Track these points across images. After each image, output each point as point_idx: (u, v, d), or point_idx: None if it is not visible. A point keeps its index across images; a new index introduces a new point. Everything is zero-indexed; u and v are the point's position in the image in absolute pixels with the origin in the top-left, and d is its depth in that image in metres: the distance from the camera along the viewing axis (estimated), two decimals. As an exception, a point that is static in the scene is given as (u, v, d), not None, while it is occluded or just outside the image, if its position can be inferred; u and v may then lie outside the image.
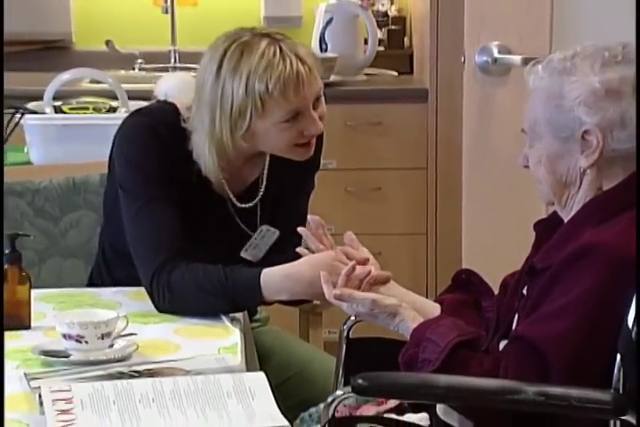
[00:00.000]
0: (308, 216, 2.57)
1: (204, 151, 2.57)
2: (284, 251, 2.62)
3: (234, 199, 2.68)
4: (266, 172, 2.71)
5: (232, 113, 2.51)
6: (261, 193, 2.71)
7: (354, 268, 2.38)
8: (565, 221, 2.26)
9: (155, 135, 2.61)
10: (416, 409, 2.33)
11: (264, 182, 2.71)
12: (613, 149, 2.18)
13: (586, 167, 2.20)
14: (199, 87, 2.57)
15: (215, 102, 2.52)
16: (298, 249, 2.55)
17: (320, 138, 2.64)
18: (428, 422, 2.28)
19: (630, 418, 2.03)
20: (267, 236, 2.69)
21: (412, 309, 2.31)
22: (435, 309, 2.45)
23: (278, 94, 2.48)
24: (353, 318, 2.53)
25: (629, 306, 2.07)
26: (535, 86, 2.24)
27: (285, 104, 2.50)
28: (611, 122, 2.16)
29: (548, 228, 2.31)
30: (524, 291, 2.25)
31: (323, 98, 2.59)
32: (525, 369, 2.10)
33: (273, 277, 2.48)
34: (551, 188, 2.26)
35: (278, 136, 2.55)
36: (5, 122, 3.80)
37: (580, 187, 2.23)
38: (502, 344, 2.22)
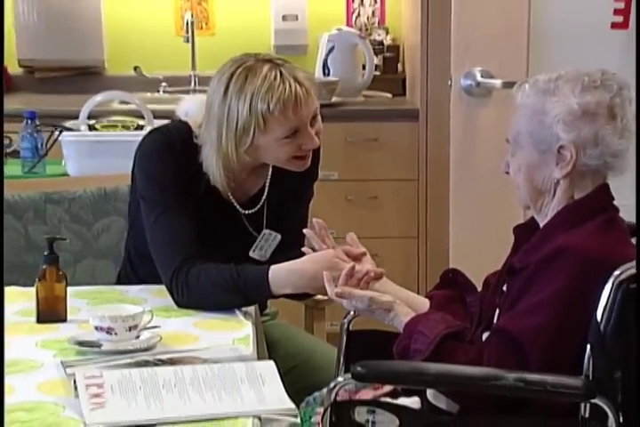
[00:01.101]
0: (314, 219, 2.56)
1: (211, 163, 2.57)
2: (289, 251, 2.60)
3: (237, 206, 2.67)
4: (268, 182, 2.70)
5: (237, 130, 2.50)
6: (264, 201, 2.69)
7: (353, 268, 2.38)
8: (541, 225, 2.26)
9: (170, 151, 2.61)
10: (408, 394, 2.32)
11: (266, 191, 2.70)
12: (585, 163, 2.19)
13: (559, 178, 2.21)
14: (208, 106, 2.56)
15: (222, 120, 2.51)
16: (303, 249, 2.55)
17: (317, 151, 2.65)
18: (420, 405, 2.28)
19: (599, 401, 2.03)
20: (269, 239, 2.69)
21: (405, 305, 2.31)
22: (424, 303, 2.45)
23: (279, 113, 2.48)
24: (352, 312, 2.53)
25: (598, 301, 2.07)
26: (522, 103, 2.25)
27: (285, 122, 2.49)
28: (585, 140, 2.17)
29: (525, 231, 2.31)
30: (505, 288, 2.25)
31: (319, 116, 2.58)
32: (506, 358, 2.10)
33: (279, 273, 2.48)
34: (528, 193, 2.26)
35: (279, 150, 2.54)
36: (45, 138, 3.81)
37: (554, 195, 2.24)
38: (485, 336, 2.22)
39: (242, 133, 2.50)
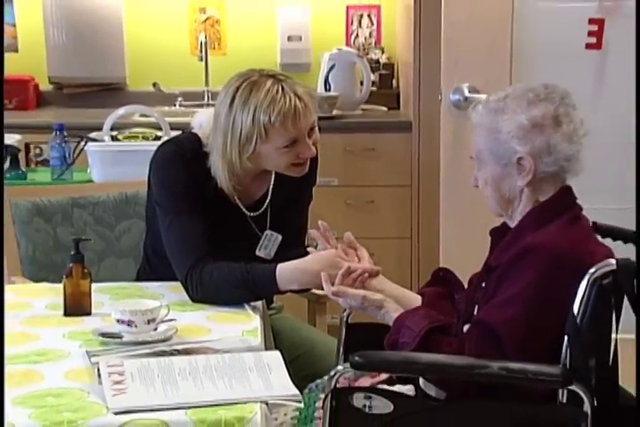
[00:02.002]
0: (319, 222, 2.55)
1: (218, 168, 2.56)
2: (290, 249, 2.61)
3: (243, 209, 2.67)
4: (271, 186, 2.69)
5: (240, 139, 2.50)
6: (267, 204, 2.69)
7: (349, 269, 2.38)
8: (512, 227, 2.26)
9: (181, 159, 2.60)
10: (403, 382, 2.32)
11: (270, 195, 2.70)
12: (543, 170, 2.20)
13: (523, 186, 2.22)
14: (215, 117, 2.56)
15: (227, 129, 2.51)
16: (308, 249, 2.55)
17: (315, 159, 2.64)
18: (414, 392, 2.27)
19: (575, 388, 2.02)
20: (272, 239, 2.68)
21: (394, 302, 2.31)
22: (417, 299, 2.45)
23: (279, 125, 2.47)
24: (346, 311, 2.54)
25: (572, 294, 2.07)
26: (477, 122, 2.26)
27: (285, 133, 2.49)
28: (539, 149, 2.18)
29: (500, 233, 2.31)
30: (483, 285, 2.25)
31: (316, 128, 2.58)
32: (485, 348, 2.10)
33: (286, 270, 2.47)
34: (497, 203, 2.27)
35: (279, 158, 2.54)
36: (72, 148, 3.81)
37: (520, 201, 2.24)
38: (466, 327, 2.21)
39: (245, 142, 2.50)
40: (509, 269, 2.14)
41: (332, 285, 2.36)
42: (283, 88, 2.49)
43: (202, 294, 2.50)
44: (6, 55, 4.83)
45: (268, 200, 2.70)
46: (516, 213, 2.25)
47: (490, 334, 2.10)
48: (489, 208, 2.30)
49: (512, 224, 2.27)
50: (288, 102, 2.48)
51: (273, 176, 2.68)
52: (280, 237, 2.68)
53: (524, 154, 2.18)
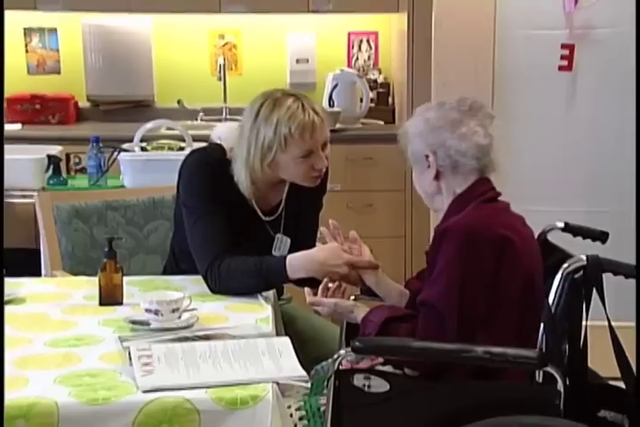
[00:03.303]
0: (330, 220, 2.54)
1: (240, 175, 2.55)
2: (302, 250, 2.58)
3: (260, 214, 2.65)
4: (285, 195, 2.68)
5: (262, 147, 2.49)
6: (281, 210, 2.68)
7: (327, 284, 2.44)
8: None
9: (207, 167, 2.59)
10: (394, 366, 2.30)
11: (283, 203, 2.69)
12: (440, 164, 2.24)
13: (433, 178, 2.26)
14: (241, 128, 2.55)
15: (251, 139, 2.50)
16: (317, 244, 2.55)
17: (326, 171, 2.63)
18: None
19: (550, 369, 2.01)
20: (283, 241, 2.67)
21: (364, 307, 2.33)
22: (406, 293, 2.45)
23: (298, 136, 2.47)
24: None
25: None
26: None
27: (302, 144, 2.48)
28: (434, 146, 2.23)
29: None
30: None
31: (329, 144, 2.58)
32: (430, 322, 2.12)
33: (294, 260, 2.46)
34: (426, 199, 2.33)
35: (295, 168, 2.53)
36: (107, 158, 3.81)
37: (442, 195, 2.27)
38: None
39: (266, 150, 2.49)
40: (435, 252, 2.17)
41: (315, 295, 2.42)
42: (303, 105, 2.49)
43: (220, 286, 2.49)
44: (50, 76, 4.89)
45: (282, 207, 2.69)
46: (443, 205, 2.28)
47: (431, 310, 2.11)
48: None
49: (441, 215, 2.30)
50: (307, 117, 2.47)
51: (287, 187, 2.66)
52: (289, 241, 2.67)
53: (426, 151, 2.23)
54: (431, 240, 2.24)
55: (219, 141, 2.75)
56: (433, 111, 2.26)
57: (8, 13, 4.62)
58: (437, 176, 2.25)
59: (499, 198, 2.29)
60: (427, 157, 2.24)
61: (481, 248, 2.10)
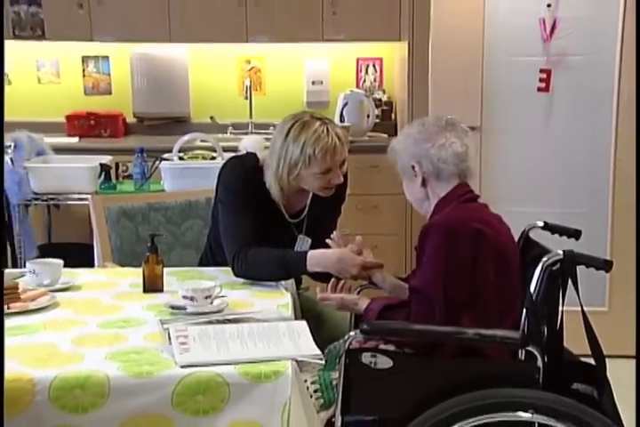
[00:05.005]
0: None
1: (271, 184, 2.54)
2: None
3: (287, 216, 2.64)
4: (309, 202, 2.67)
5: (289, 164, 2.48)
6: (305, 214, 2.67)
7: (335, 283, 2.41)
8: None
9: (243, 172, 2.58)
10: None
11: (307, 208, 2.67)
12: (425, 171, 2.23)
13: (420, 185, 2.25)
14: (272, 145, 2.54)
15: (281, 155, 2.49)
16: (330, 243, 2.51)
17: (345, 182, 2.61)
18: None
19: (531, 348, 1.99)
20: (304, 241, 2.65)
21: (366, 299, 2.31)
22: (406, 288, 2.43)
23: (320, 157, 2.46)
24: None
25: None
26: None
27: (323, 163, 2.47)
28: (419, 156, 2.23)
29: None
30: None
31: (346, 162, 2.56)
32: (420, 307, 2.10)
33: (314, 254, 2.45)
34: (417, 205, 2.31)
35: (314, 181, 2.52)
36: (150, 166, 3.81)
37: (429, 200, 2.26)
38: None
39: (293, 166, 2.48)
40: (421, 245, 2.16)
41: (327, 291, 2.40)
42: (327, 129, 2.47)
43: (244, 271, 2.47)
44: (103, 97, 4.89)
45: (306, 211, 2.67)
46: (430, 209, 2.27)
47: (421, 296, 2.10)
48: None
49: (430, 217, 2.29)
50: (330, 140, 2.46)
51: (311, 194, 2.65)
52: (310, 241, 2.65)
53: (412, 162, 2.24)
54: (418, 237, 2.23)
55: (244, 151, 2.74)
56: (415, 128, 2.27)
57: (69, 44, 4.69)
58: (424, 183, 2.24)
59: (478, 200, 2.28)
60: (413, 167, 2.24)
61: (459, 239, 2.10)
